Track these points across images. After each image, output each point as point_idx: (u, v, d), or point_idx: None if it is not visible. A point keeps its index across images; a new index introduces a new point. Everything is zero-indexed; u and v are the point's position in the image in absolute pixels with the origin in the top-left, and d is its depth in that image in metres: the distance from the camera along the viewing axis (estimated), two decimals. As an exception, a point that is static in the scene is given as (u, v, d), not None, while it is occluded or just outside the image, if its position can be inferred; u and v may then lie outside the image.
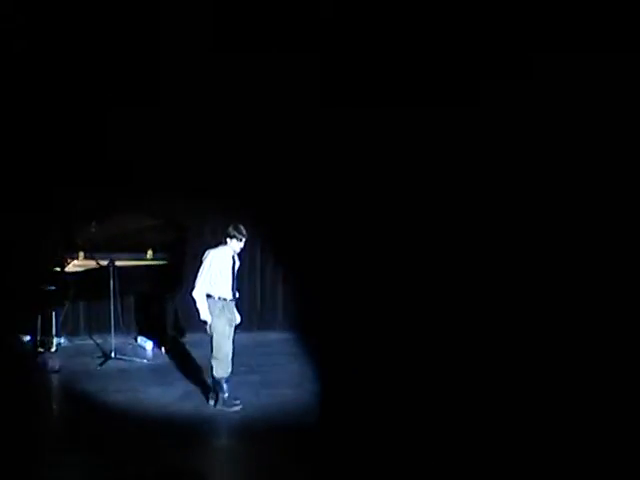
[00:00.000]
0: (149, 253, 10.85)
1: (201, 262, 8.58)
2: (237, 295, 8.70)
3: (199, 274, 8.52)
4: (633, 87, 9.04)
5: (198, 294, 8.50)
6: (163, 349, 10.82)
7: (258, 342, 11.06)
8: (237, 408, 8.52)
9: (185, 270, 10.85)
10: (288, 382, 9.55)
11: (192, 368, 9.92)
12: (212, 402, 8.62)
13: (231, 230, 8.51)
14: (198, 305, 8.50)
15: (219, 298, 8.51)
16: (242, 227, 8.53)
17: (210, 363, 8.59)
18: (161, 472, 7.11)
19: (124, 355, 10.48)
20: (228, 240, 8.54)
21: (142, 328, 11.34)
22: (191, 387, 9.36)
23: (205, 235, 11.10)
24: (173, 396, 9.10)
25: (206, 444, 7.91)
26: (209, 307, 8.48)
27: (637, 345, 8.67)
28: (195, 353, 10.44)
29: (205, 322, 8.50)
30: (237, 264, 8.67)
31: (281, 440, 7.83)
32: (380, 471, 7.09)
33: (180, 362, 10.35)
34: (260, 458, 7.47)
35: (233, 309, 8.64)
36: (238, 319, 8.72)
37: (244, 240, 8.55)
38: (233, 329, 8.61)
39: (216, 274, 8.48)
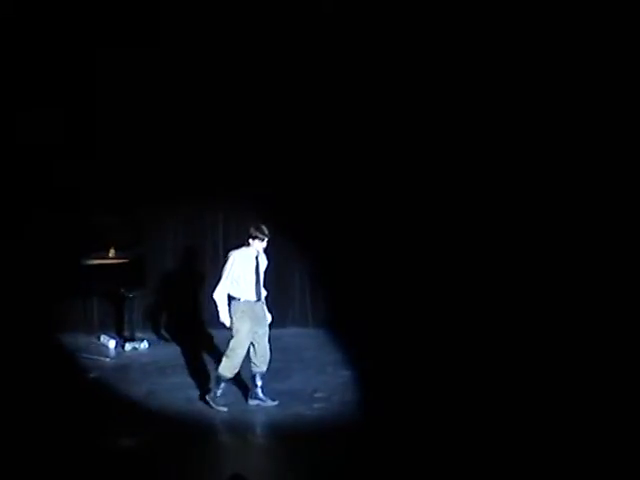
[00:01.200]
0: (111, 252, 10.82)
1: (224, 264, 8.58)
2: (264, 295, 8.66)
3: (221, 275, 8.50)
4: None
5: (219, 296, 8.46)
6: (128, 346, 10.79)
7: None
8: (223, 409, 8.55)
9: (147, 268, 10.94)
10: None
11: (157, 367, 9.96)
12: (206, 396, 8.66)
13: (253, 231, 8.49)
14: (218, 307, 8.46)
15: (242, 300, 8.49)
16: (264, 227, 8.51)
17: (220, 358, 8.62)
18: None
19: (88, 354, 10.46)
20: (250, 241, 8.52)
21: (106, 326, 11.29)
22: (156, 386, 9.38)
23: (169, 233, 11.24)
24: (138, 395, 9.13)
25: (174, 445, 7.89)
26: (232, 309, 8.46)
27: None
28: (160, 351, 10.50)
29: (224, 324, 8.50)
30: (263, 264, 8.64)
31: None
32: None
33: (144, 360, 10.36)
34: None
35: (260, 310, 8.60)
36: (269, 318, 8.69)
37: (266, 240, 8.52)
38: (265, 329, 8.58)
39: (239, 275, 8.45)
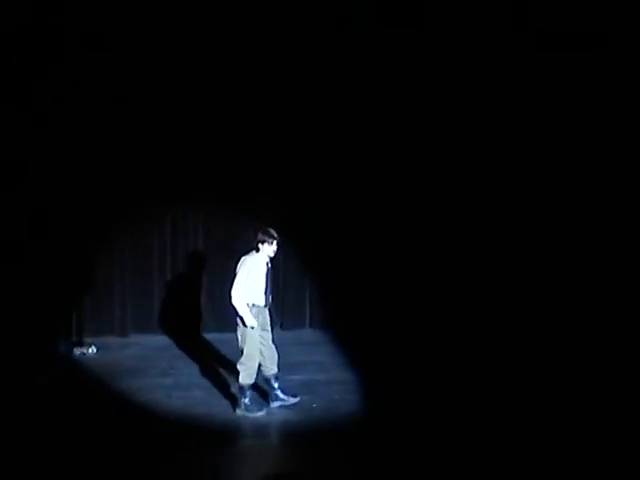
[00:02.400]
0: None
1: (235, 270, 8.43)
2: (270, 300, 8.58)
3: (236, 282, 8.35)
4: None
5: (238, 302, 8.34)
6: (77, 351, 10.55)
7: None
8: (260, 414, 8.44)
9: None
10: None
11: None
12: (237, 409, 8.53)
13: (261, 235, 8.41)
14: (242, 313, 8.32)
15: (253, 305, 8.39)
16: (272, 230, 8.43)
17: (236, 368, 8.49)
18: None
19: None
20: (260, 246, 8.43)
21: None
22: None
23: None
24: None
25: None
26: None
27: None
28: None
29: (252, 327, 8.34)
30: (271, 272, 8.57)
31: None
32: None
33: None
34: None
35: (267, 315, 8.55)
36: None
37: (276, 242, 8.43)
38: (269, 332, 8.54)
39: (252, 281, 8.38)
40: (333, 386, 9.30)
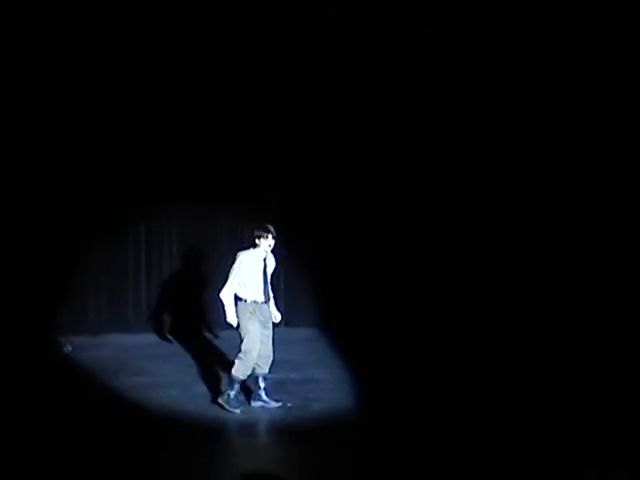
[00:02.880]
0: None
1: (232, 264, 8.46)
2: (271, 295, 8.59)
3: (229, 276, 8.41)
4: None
5: (225, 296, 8.40)
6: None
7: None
8: (236, 411, 8.40)
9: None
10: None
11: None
12: (219, 398, 8.53)
13: (257, 230, 8.46)
14: (225, 307, 8.38)
15: (250, 301, 8.42)
16: (268, 225, 8.47)
17: (233, 360, 8.47)
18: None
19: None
20: (257, 241, 8.47)
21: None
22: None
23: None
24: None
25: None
26: (240, 310, 8.38)
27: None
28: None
29: (231, 325, 8.41)
30: (271, 265, 8.59)
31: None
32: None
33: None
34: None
35: (267, 310, 8.54)
36: (277, 318, 8.64)
37: (271, 237, 8.44)
38: (270, 331, 8.52)
39: (246, 276, 8.40)
40: (308, 385, 9.34)
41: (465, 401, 8.47)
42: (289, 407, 8.57)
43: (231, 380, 8.49)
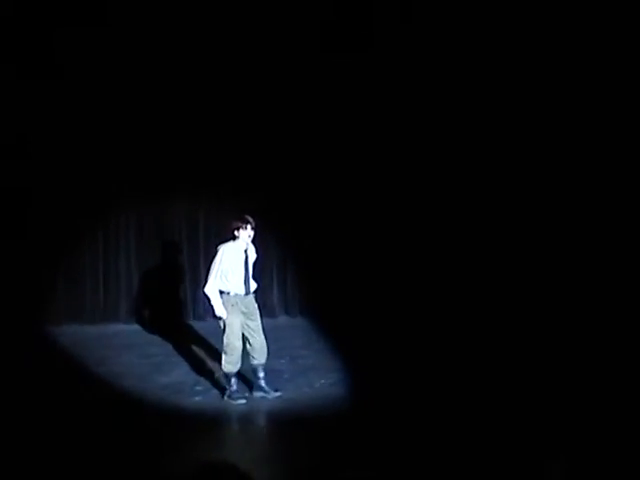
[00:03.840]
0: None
1: (213, 258, 8.48)
2: (254, 288, 8.57)
3: (210, 270, 8.43)
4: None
5: (210, 290, 8.41)
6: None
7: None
8: (241, 402, 8.49)
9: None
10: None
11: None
12: (224, 396, 8.59)
13: (235, 222, 8.44)
14: (212, 302, 8.41)
15: (232, 293, 8.42)
16: (246, 215, 8.44)
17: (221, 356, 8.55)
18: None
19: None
20: (236, 232, 8.43)
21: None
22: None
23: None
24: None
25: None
26: (223, 303, 8.38)
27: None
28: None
29: (220, 318, 8.40)
30: (252, 257, 8.58)
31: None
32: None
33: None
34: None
35: (251, 303, 8.53)
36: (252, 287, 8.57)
37: (250, 227, 8.40)
38: (257, 322, 8.51)
39: (227, 269, 8.39)
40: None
41: (459, 393, 8.38)
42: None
43: (225, 375, 8.58)
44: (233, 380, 8.56)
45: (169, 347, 10.37)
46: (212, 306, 8.44)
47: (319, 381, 9.15)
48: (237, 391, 8.58)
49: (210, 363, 9.40)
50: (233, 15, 10.31)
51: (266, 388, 8.64)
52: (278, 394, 8.64)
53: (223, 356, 8.50)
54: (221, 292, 8.46)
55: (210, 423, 8.13)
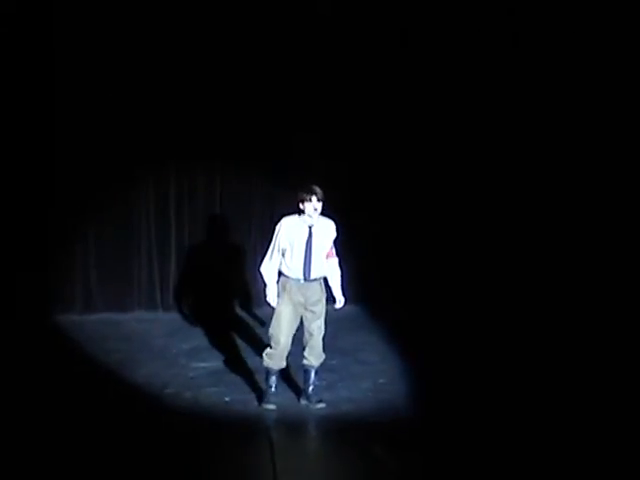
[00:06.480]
0: None
1: (272, 233, 7.32)
2: (318, 275, 7.29)
3: (269, 247, 7.32)
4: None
5: (265, 270, 7.31)
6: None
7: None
8: (270, 407, 7.37)
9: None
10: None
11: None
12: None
13: (300, 193, 7.16)
14: (265, 283, 7.32)
15: (288, 277, 7.24)
16: (313, 186, 7.13)
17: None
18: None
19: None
20: (300, 205, 7.18)
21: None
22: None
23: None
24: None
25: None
26: (278, 286, 7.29)
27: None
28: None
29: (269, 304, 7.31)
30: (321, 235, 7.27)
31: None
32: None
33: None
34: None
35: (313, 293, 7.28)
36: (339, 303, 7.39)
37: (316, 199, 7.11)
38: (316, 314, 7.30)
39: (284, 248, 7.22)
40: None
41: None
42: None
43: (266, 371, 7.45)
44: (272, 379, 7.44)
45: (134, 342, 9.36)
46: (264, 289, 7.33)
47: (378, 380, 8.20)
48: (273, 394, 7.46)
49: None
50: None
51: (311, 396, 7.50)
52: (322, 405, 7.45)
53: (267, 348, 7.38)
54: (279, 273, 7.31)
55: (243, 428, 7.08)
